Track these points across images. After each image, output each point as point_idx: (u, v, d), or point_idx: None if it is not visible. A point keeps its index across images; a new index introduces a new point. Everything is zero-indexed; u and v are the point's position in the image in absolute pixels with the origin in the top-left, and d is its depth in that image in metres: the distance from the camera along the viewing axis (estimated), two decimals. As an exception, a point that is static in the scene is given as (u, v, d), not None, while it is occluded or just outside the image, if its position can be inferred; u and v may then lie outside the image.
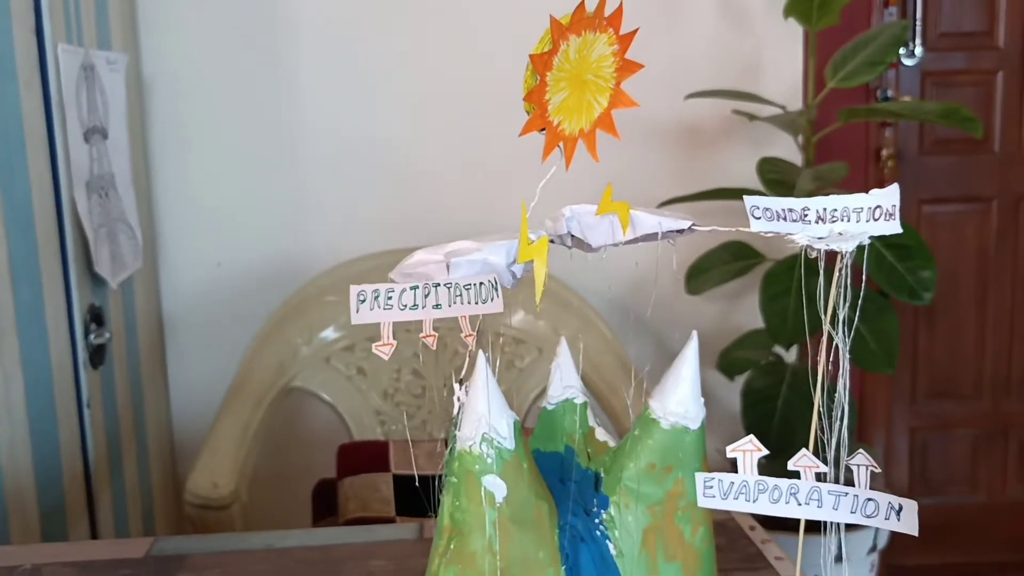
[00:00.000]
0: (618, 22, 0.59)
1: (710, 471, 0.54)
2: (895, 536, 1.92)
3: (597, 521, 0.62)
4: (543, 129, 0.56)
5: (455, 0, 1.93)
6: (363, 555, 0.87)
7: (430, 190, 1.97)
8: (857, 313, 0.49)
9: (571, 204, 0.59)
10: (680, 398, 0.60)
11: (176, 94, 1.90)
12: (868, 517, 0.48)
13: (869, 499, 0.48)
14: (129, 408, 1.66)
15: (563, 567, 0.60)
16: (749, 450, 0.50)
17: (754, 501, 0.49)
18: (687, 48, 1.94)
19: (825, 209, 0.50)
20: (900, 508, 0.47)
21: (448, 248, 0.54)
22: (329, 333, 1.78)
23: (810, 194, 1.66)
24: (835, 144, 1.90)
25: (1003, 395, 2.44)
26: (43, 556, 0.88)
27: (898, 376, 2.39)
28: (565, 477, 0.64)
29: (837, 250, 0.49)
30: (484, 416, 0.56)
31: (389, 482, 1.51)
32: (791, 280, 1.68)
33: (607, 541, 0.62)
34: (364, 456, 1.59)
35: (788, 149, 1.88)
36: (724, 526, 0.88)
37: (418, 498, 1.47)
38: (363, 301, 0.52)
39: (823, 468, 0.49)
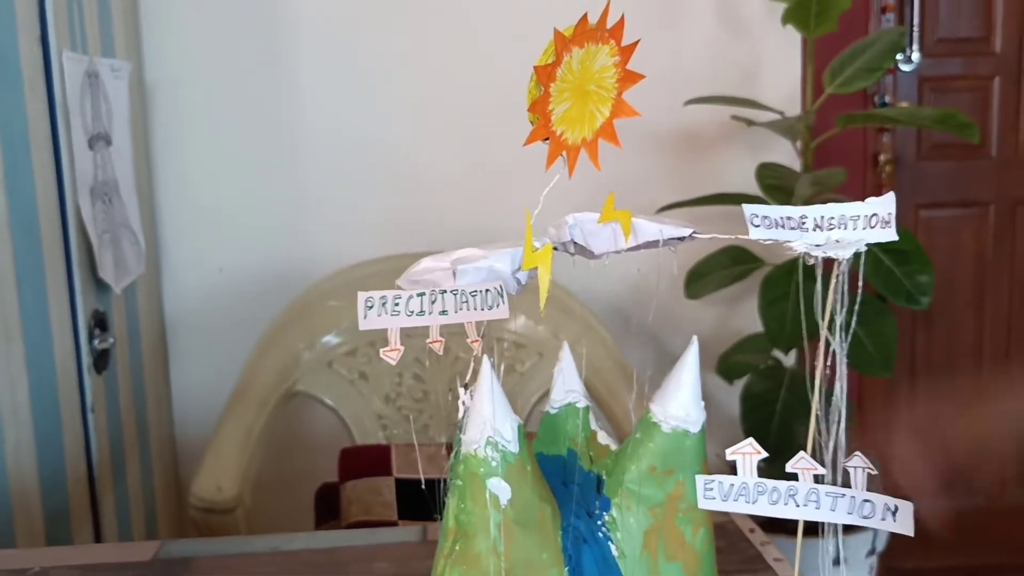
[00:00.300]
0: (620, 34, 0.60)
1: (710, 474, 0.56)
2: (894, 539, 1.94)
3: (599, 523, 0.63)
4: (547, 139, 0.58)
5: (455, 4, 1.94)
6: (367, 558, 0.88)
7: (432, 193, 1.98)
8: (854, 319, 0.50)
9: (573, 211, 0.60)
10: (681, 402, 0.61)
11: (178, 101, 1.91)
12: (865, 518, 0.49)
13: (866, 500, 0.49)
14: (132, 412, 1.67)
15: (566, 568, 0.61)
16: (748, 453, 0.51)
17: (753, 503, 0.51)
18: (686, 55, 1.95)
19: (822, 217, 0.51)
20: (896, 509, 0.48)
21: (454, 255, 0.55)
22: (331, 338, 1.80)
23: (808, 199, 1.68)
24: (833, 149, 1.91)
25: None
26: (51, 560, 0.89)
27: (896, 380, 2.40)
28: (568, 480, 0.65)
29: (834, 257, 0.50)
30: (489, 420, 0.57)
31: (391, 486, 1.52)
32: (790, 285, 1.69)
33: (609, 542, 0.63)
34: (366, 460, 1.60)
35: (787, 154, 1.90)
36: (724, 528, 0.89)
37: (420, 501, 1.48)
38: (371, 307, 0.53)
39: (821, 470, 0.50)
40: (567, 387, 0.68)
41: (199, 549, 0.92)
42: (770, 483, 0.51)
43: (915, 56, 2.25)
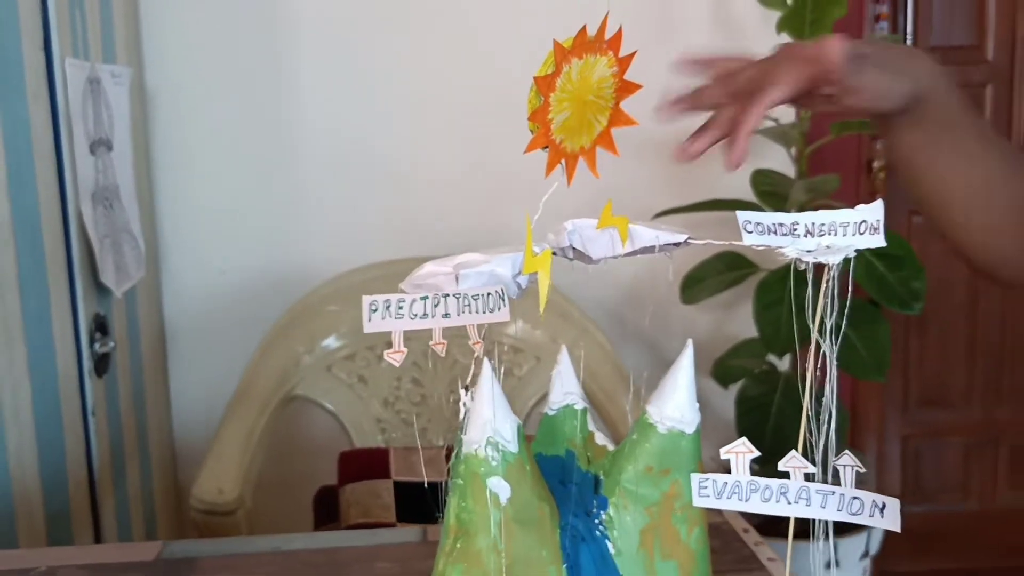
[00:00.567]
0: (618, 45, 0.62)
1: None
2: (887, 542, 1.95)
3: (597, 521, 0.64)
4: (547, 147, 0.59)
5: (455, 4, 1.96)
6: (368, 558, 0.90)
7: (432, 195, 1.99)
8: (844, 322, 0.51)
9: (573, 217, 0.61)
10: (677, 404, 0.62)
11: (178, 105, 1.93)
12: (854, 515, 0.51)
13: (855, 498, 0.51)
14: (132, 416, 1.68)
15: (564, 565, 0.63)
16: (742, 452, 0.53)
17: (746, 500, 0.52)
18: (682, 62, 1.97)
19: (813, 223, 0.53)
20: (884, 506, 0.50)
21: (457, 260, 0.57)
22: (331, 342, 1.81)
23: (803, 205, 1.69)
24: (828, 156, 1.93)
25: (994, 403, 2.47)
26: (55, 559, 0.90)
27: (890, 385, 2.42)
28: (566, 480, 0.67)
29: (825, 262, 0.52)
30: (489, 421, 0.59)
31: (390, 488, 1.53)
32: (784, 290, 1.71)
33: (606, 540, 0.64)
34: (365, 463, 1.61)
35: (782, 161, 1.91)
36: (719, 529, 0.91)
37: (419, 504, 1.50)
38: (375, 310, 0.55)
39: (811, 469, 0.51)
40: (565, 389, 0.70)
41: (202, 549, 0.93)
42: (762, 481, 0.52)
43: (908, 64, 2.27)
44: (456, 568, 0.61)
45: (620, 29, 0.62)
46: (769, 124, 1.83)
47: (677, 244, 0.58)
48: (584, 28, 0.59)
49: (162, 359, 1.94)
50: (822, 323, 0.51)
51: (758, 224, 0.53)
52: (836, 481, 0.52)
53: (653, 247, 0.57)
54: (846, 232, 0.53)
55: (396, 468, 1.59)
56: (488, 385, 0.58)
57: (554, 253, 0.59)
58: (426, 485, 1.40)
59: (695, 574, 0.65)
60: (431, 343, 0.54)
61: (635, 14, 1.60)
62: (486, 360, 0.57)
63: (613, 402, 1.70)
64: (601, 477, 0.66)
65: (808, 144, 1.85)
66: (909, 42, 2.27)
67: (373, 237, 1.96)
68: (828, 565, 0.57)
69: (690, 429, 0.63)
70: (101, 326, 1.49)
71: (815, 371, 0.50)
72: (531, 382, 1.82)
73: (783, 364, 1.88)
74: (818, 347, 0.51)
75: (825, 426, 0.51)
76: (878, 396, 2.42)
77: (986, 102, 2.34)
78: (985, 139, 0.78)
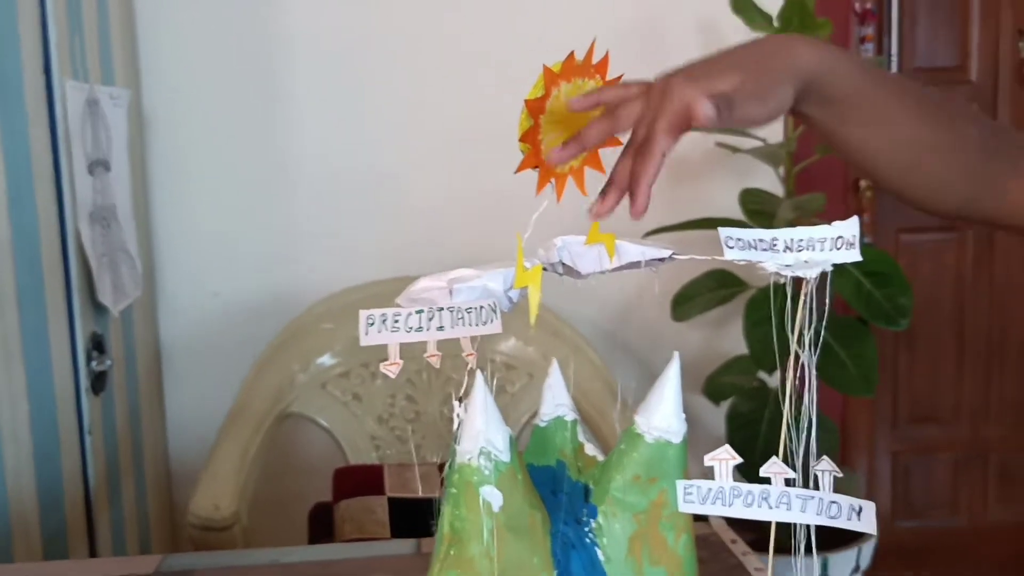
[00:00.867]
0: (605, 69, 0.65)
1: (691, 482, 0.59)
2: (878, 556, 1.97)
3: (587, 529, 0.66)
4: (536, 167, 0.62)
5: (447, 32, 1.99)
6: (364, 570, 0.91)
7: (424, 218, 2.02)
8: (823, 333, 0.54)
9: (562, 235, 0.64)
10: (664, 414, 0.64)
11: (175, 127, 1.95)
12: (832, 518, 0.53)
13: (832, 501, 0.53)
14: (128, 434, 1.69)
15: (555, 572, 0.65)
16: (724, 459, 0.55)
17: (730, 505, 0.54)
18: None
19: (792, 239, 0.55)
20: (860, 509, 0.52)
21: (451, 275, 0.59)
22: (326, 360, 1.83)
23: (790, 223, 1.72)
24: (816, 175, 1.96)
25: (982, 420, 2.49)
26: (52, 574, 0.92)
27: (880, 402, 2.44)
28: (557, 489, 0.68)
29: (803, 276, 0.54)
30: (482, 431, 0.61)
31: (384, 505, 1.55)
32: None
33: (596, 548, 0.66)
34: (359, 480, 1.63)
35: (770, 180, 1.94)
36: (707, 540, 0.93)
37: (413, 520, 1.51)
38: (372, 324, 0.57)
39: (791, 474, 0.54)
40: (556, 401, 0.72)
41: (199, 562, 0.94)
42: (745, 487, 0.54)
43: (894, 85, 2.31)
44: (450, 574, 0.62)
45: (607, 54, 0.64)
46: (757, 144, 1.86)
47: (662, 259, 0.60)
48: (572, 53, 0.62)
49: (158, 378, 1.96)
50: (801, 334, 0.53)
51: (739, 240, 0.55)
52: (817, 487, 0.54)
53: (639, 262, 0.60)
54: (823, 247, 0.55)
55: (391, 484, 1.60)
56: (481, 396, 0.60)
57: (544, 268, 0.61)
58: (419, 490, 1.42)
59: (682, 580, 0.66)
60: (426, 355, 0.56)
61: (622, 39, 1.61)
62: (479, 372, 0.59)
63: (604, 418, 1.72)
64: (591, 486, 0.68)
65: (795, 164, 1.88)
66: (894, 63, 2.31)
67: (367, 259, 1.98)
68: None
69: (677, 439, 0.65)
70: (98, 344, 1.51)
71: (795, 380, 0.53)
72: (523, 399, 1.84)
73: (773, 380, 1.91)
74: (798, 358, 0.54)
75: (805, 433, 0.53)
76: (868, 413, 2.44)
77: (971, 122, 2.38)
78: (906, 100, 0.75)
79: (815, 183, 1.99)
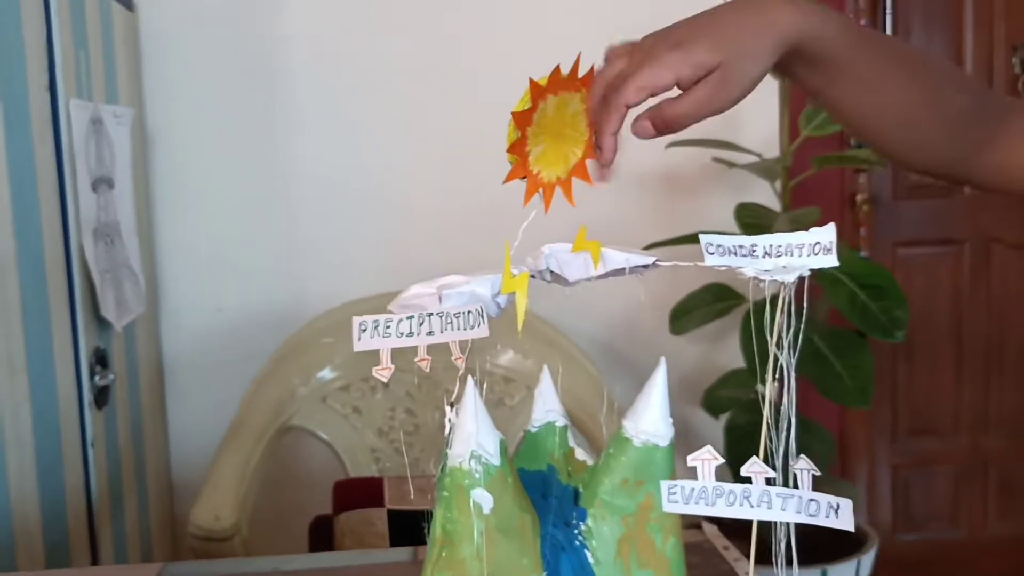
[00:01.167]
0: (589, 82, 0.66)
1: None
2: (878, 569, 1.97)
3: (576, 532, 0.68)
4: (524, 178, 0.64)
5: (445, 49, 2.02)
6: (361, 577, 0.93)
7: (425, 233, 2.04)
8: (800, 338, 0.55)
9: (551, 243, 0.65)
10: (651, 418, 0.66)
11: (177, 145, 1.98)
12: (811, 516, 0.54)
13: (811, 500, 0.54)
14: (130, 448, 1.71)
15: (544, 573, 0.66)
16: (707, 459, 0.56)
17: (712, 505, 0.56)
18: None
19: (771, 245, 0.57)
20: (838, 507, 0.54)
21: (440, 282, 0.61)
22: (326, 373, 1.84)
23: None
24: (812, 189, 1.98)
25: (981, 432, 2.50)
26: (57, 581, 0.93)
27: (879, 414, 2.45)
28: (547, 493, 0.70)
29: (781, 281, 0.56)
30: (473, 435, 0.62)
31: (384, 517, 1.56)
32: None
33: (585, 550, 0.67)
34: (359, 492, 1.64)
35: (766, 195, 1.96)
36: (700, 547, 0.94)
37: (412, 532, 1.52)
38: (364, 330, 0.58)
39: (772, 473, 0.55)
40: (547, 407, 0.74)
41: (200, 571, 0.96)
42: (727, 486, 0.56)
43: (889, 100, 2.33)
44: (442, 575, 0.64)
45: (592, 67, 0.66)
46: (753, 159, 1.88)
47: (646, 266, 0.62)
48: (558, 67, 0.64)
49: (160, 392, 1.97)
50: (780, 337, 0.55)
51: (719, 246, 0.57)
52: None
53: (624, 269, 0.61)
54: (801, 253, 0.57)
55: (390, 497, 1.61)
56: (471, 401, 0.62)
57: (532, 276, 0.63)
58: (412, 491, 1.42)
59: (671, 582, 0.68)
60: (416, 359, 0.58)
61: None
62: (470, 378, 0.61)
63: (599, 426, 1.73)
64: (580, 490, 0.69)
65: (791, 178, 1.89)
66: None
67: (367, 274, 2.00)
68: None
69: (664, 443, 0.66)
70: (101, 359, 1.52)
71: (773, 380, 0.54)
72: (522, 412, 1.85)
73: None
74: (777, 360, 0.55)
75: (783, 434, 0.55)
76: (867, 426, 2.45)
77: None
78: (895, 62, 0.74)
79: (811, 197, 2.01)
